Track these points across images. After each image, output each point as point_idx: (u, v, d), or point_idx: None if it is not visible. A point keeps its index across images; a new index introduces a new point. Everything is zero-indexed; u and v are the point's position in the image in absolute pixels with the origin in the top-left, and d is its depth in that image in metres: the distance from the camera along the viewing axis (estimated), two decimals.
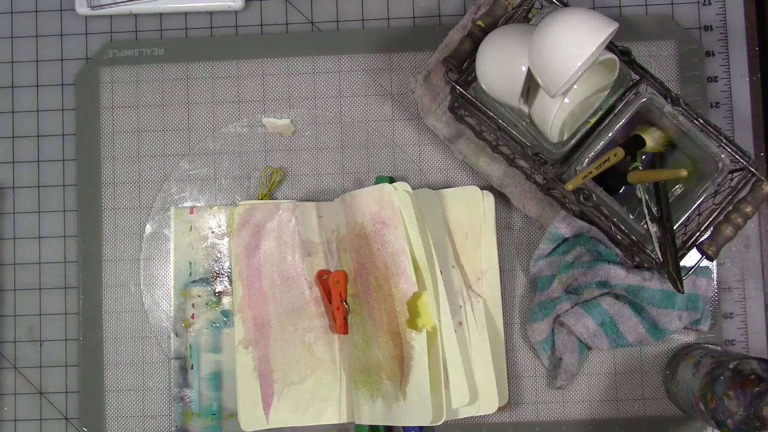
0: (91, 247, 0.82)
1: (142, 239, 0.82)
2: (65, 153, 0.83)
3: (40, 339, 0.81)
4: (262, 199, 0.80)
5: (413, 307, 0.73)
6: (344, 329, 0.76)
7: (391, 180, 0.79)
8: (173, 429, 0.79)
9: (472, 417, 0.75)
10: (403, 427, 0.76)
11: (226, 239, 0.81)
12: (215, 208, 0.81)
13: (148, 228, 0.82)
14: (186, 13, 0.84)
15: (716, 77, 0.81)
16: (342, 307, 0.76)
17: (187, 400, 0.79)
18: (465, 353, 0.74)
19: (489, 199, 0.79)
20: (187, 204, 0.82)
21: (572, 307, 0.77)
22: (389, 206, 0.74)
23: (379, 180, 0.79)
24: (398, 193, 0.74)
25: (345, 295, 0.76)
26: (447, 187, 0.79)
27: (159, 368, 0.80)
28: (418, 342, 0.72)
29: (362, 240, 0.75)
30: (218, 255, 0.81)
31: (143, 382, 0.80)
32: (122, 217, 0.82)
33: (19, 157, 0.83)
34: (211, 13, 0.84)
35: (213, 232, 0.81)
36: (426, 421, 0.71)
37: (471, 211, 0.78)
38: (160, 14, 0.84)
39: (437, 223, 0.77)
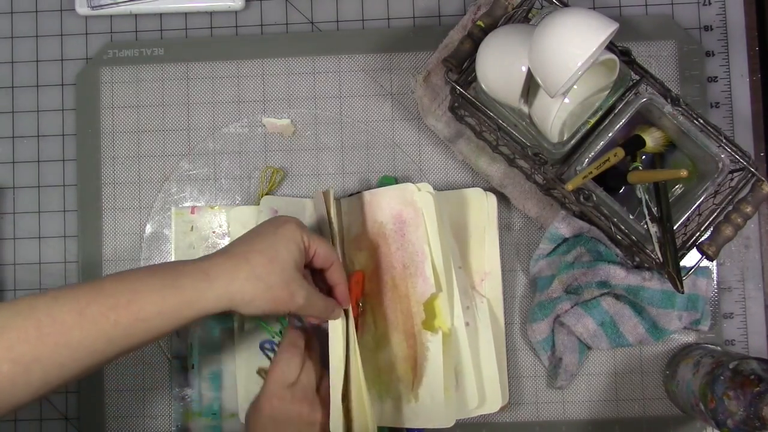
0: (91, 247, 0.82)
1: (142, 239, 0.82)
2: (65, 153, 0.83)
3: None
4: (261, 198, 0.80)
5: (429, 308, 0.72)
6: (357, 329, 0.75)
7: (395, 181, 0.79)
8: (174, 428, 0.79)
9: (473, 416, 0.75)
10: (407, 428, 0.76)
11: (227, 239, 0.81)
12: (216, 207, 0.81)
13: (148, 228, 0.82)
14: (186, 13, 0.84)
15: (716, 77, 0.81)
16: (356, 308, 0.74)
17: (188, 399, 0.79)
18: (475, 354, 0.74)
19: (492, 200, 0.78)
20: (188, 204, 0.82)
21: (572, 307, 0.77)
22: (411, 206, 0.74)
23: (384, 180, 0.79)
24: (421, 194, 0.74)
25: (361, 295, 0.76)
26: (447, 187, 0.79)
27: (159, 368, 0.80)
28: (433, 343, 0.72)
29: (381, 239, 0.75)
30: None
31: (143, 382, 0.80)
32: (122, 217, 0.82)
33: (19, 157, 0.83)
34: (211, 13, 0.84)
35: (214, 232, 0.81)
36: (439, 424, 0.70)
37: (475, 213, 0.78)
38: (160, 14, 0.84)
39: (445, 224, 0.77)
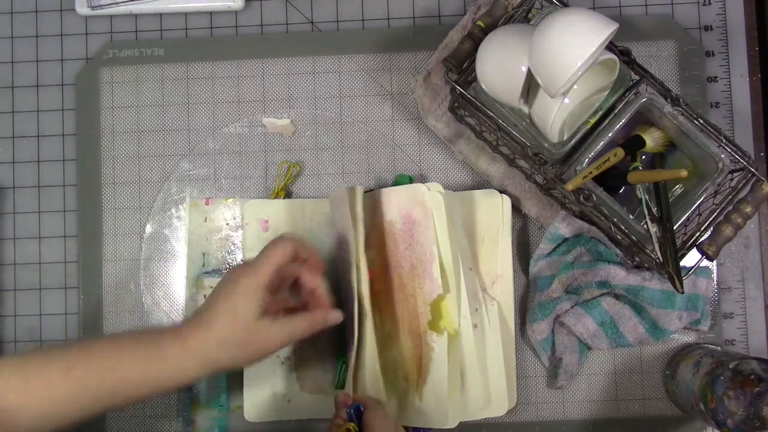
0: (91, 247, 0.82)
1: (142, 239, 0.82)
2: (65, 153, 0.83)
3: (40, 339, 0.81)
4: (278, 192, 0.80)
5: (436, 309, 0.72)
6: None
7: (411, 180, 0.79)
8: (180, 419, 0.79)
9: (477, 418, 0.75)
10: (411, 427, 0.75)
11: (240, 231, 0.80)
12: (230, 200, 0.81)
13: (148, 228, 0.82)
14: (186, 13, 0.84)
15: (716, 77, 0.81)
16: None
17: (195, 390, 0.79)
18: (481, 356, 0.74)
19: (507, 203, 0.78)
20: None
21: (572, 307, 0.77)
22: (421, 206, 0.74)
23: (401, 179, 0.79)
24: (431, 194, 0.74)
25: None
26: (447, 188, 0.79)
27: None
28: (438, 344, 0.72)
29: (390, 238, 0.75)
30: (232, 247, 0.80)
31: None
32: (122, 217, 0.82)
33: (19, 157, 0.83)
34: (211, 13, 0.84)
35: (227, 224, 0.81)
36: (442, 424, 0.70)
37: (489, 215, 0.78)
38: (160, 14, 0.84)
39: (456, 225, 0.77)
